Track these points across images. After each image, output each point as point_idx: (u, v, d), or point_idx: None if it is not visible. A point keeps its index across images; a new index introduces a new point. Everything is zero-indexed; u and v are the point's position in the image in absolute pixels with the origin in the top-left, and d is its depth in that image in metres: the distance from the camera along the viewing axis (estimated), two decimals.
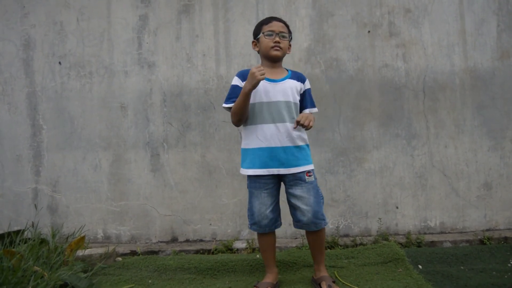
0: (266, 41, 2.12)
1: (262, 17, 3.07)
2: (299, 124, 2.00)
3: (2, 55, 3.23)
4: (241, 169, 2.17)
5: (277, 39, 2.10)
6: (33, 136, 3.19)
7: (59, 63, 3.19)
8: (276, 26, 2.12)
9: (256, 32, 2.20)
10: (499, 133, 3.06)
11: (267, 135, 2.07)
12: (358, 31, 3.11)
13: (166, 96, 3.14)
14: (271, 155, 2.07)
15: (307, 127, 2.01)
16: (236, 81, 2.15)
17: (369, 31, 3.11)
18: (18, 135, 3.20)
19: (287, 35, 2.16)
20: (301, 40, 3.09)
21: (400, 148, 3.06)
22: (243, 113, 2.08)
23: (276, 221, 2.17)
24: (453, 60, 3.08)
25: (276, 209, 2.17)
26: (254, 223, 2.15)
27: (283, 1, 3.12)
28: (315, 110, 2.23)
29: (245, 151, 2.16)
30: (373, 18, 3.11)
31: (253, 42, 2.23)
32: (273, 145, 2.07)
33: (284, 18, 3.01)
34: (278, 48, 2.11)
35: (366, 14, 3.11)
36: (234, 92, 2.12)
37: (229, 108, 2.13)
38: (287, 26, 2.19)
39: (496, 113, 3.06)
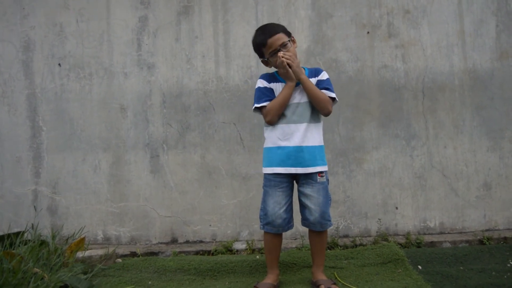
0: (274, 61, 2.12)
1: (261, 18, 3.08)
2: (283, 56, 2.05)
3: (2, 57, 3.23)
4: (262, 168, 2.20)
5: (281, 54, 2.08)
6: (32, 138, 3.20)
7: (59, 64, 3.20)
8: (273, 43, 2.11)
9: (259, 54, 2.20)
10: (498, 134, 3.06)
11: (287, 134, 2.10)
12: (357, 32, 3.11)
13: (166, 97, 3.14)
14: (289, 154, 2.09)
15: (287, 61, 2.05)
16: (263, 83, 2.19)
17: (368, 32, 3.11)
18: (18, 136, 3.20)
19: (287, 41, 2.13)
20: (300, 41, 3.09)
21: (400, 148, 3.07)
22: (283, 108, 2.11)
23: (289, 222, 2.18)
24: (452, 60, 3.08)
25: (290, 209, 2.18)
26: (267, 223, 2.15)
27: (282, 2, 3.12)
28: (331, 94, 2.16)
29: (265, 150, 2.20)
30: (372, 19, 3.11)
31: (262, 61, 2.23)
32: (292, 144, 2.09)
33: (283, 20, 3.04)
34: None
35: (365, 15, 3.11)
36: (264, 92, 2.16)
37: (259, 109, 2.16)
38: (283, 30, 2.16)
39: (495, 114, 3.07)
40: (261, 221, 2.19)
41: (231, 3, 3.14)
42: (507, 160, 3.06)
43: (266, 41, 2.12)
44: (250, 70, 3.10)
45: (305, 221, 2.17)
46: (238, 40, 3.13)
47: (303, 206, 2.16)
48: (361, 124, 3.08)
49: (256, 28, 3.04)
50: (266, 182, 2.18)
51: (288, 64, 2.05)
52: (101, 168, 3.16)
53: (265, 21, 2.96)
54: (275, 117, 2.12)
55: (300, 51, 3.09)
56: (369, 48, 3.11)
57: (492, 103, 3.07)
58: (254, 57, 3.09)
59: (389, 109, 3.08)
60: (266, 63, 2.21)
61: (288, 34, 2.18)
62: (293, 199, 2.19)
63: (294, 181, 2.20)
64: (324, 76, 2.22)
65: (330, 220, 2.15)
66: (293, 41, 2.20)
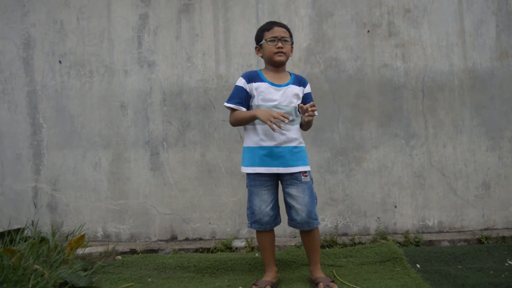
0: (269, 47, 2.16)
1: (262, 16, 3.09)
2: (308, 109, 2.03)
3: (3, 54, 3.23)
4: (242, 167, 2.22)
5: (279, 44, 2.15)
6: (33, 135, 3.20)
7: (59, 62, 3.20)
8: (277, 31, 2.17)
9: (258, 39, 2.24)
10: (498, 133, 3.07)
11: (269, 134, 2.12)
12: (358, 31, 3.11)
13: (166, 95, 3.14)
14: (271, 154, 2.12)
15: (310, 115, 2.04)
16: (241, 82, 2.20)
17: (368, 31, 3.11)
18: (18, 133, 3.21)
19: (289, 39, 2.20)
20: (300, 39, 3.10)
21: (399, 147, 3.07)
22: (241, 124, 2.21)
23: (276, 218, 2.21)
24: (452, 60, 3.09)
25: (276, 206, 2.21)
26: (254, 221, 2.18)
27: (282, 0, 3.12)
28: (316, 113, 2.23)
29: (246, 150, 2.22)
30: (373, 18, 3.11)
31: (256, 48, 2.27)
32: (274, 144, 2.12)
33: (283, 18, 3.05)
34: (281, 54, 2.16)
35: (366, 14, 3.11)
36: (237, 93, 2.19)
37: (230, 108, 2.20)
38: (288, 30, 2.23)
39: (495, 113, 3.07)
40: (248, 220, 2.22)
41: (231, 1, 3.14)
42: (506, 160, 3.07)
43: (272, 27, 2.19)
44: (250, 69, 3.10)
45: (292, 222, 2.18)
46: (239, 39, 3.14)
47: (289, 207, 2.17)
48: (360, 123, 3.08)
49: (256, 26, 3.08)
50: (250, 181, 2.20)
51: (312, 115, 2.06)
52: (101, 166, 3.16)
53: (265, 19, 2.96)
54: (234, 125, 2.25)
55: (300, 49, 3.10)
56: (369, 47, 3.11)
57: (492, 103, 3.08)
58: (254, 56, 3.09)
59: (389, 108, 3.08)
60: (259, 50, 2.25)
61: (291, 39, 2.25)
62: (279, 197, 2.23)
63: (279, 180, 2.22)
64: (308, 88, 2.29)
65: (317, 219, 2.16)
66: (291, 50, 2.26)
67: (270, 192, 2.17)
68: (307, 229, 2.15)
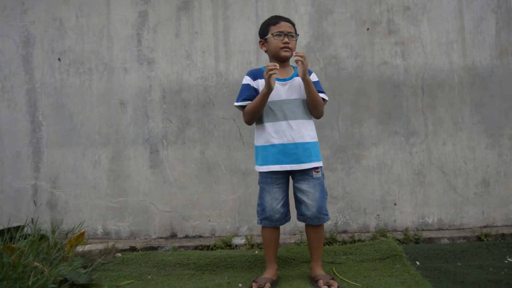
0: (275, 42, 2.15)
1: (261, 14, 3.08)
2: (296, 55, 2.02)
3: (2, 52, 3.23)
4: (256, 166, 2.22)
5: (286, 39, 2.14)
6: (32, 133, 3.20)
7: (59, 59, 3.20)
8: (284, 26, 2.16)
9: (264, 32, 2.22)
10: (497, 131, 3.07)
11: (279, 132, 2.12)
12: (357, 28, 3.11)
13: (166, 92, 3.14)
14: (284, 152, 2.12)
15: (301, 59, 2.01)
16: (247, 80, 2.21)
17: (368, 29, 3.11)
18: (18, 131, 3.21)
19: (294, 34, 2.19)
20: (300, 37, 3.08)
21: (399, 145, 3.07)
22: (257, 113, 2.14)
23: (286, 215, 2.21)
24: (451, 57, 3.08)
25: (287, 204, 2.21)
26: (265, 218, 2.18)
27: None
28: (324, 96, 2.23)
29: (258, 148, 2.21)
30: (372, 16, 3.11)
31: (260, 41, 2.26)
32: (285, 141, 2.11)
33: (283, 15, 3.04)
34: (287, 49, 2.15)
35: (365, 11, 3.11)
36: (243, 90, 2.19)
37: (240, 107, 2.19)
38: (294, 25, 2.22)
39: (494, 111, 3.07)
40: (258, 216, 2.22)
41: None
42: (506, 157, 3.07)
43: (279, 21, 2.18)
44: (250, 66, 3.10)
45: (301, 216, 2.19)
46: (238, 36, 3.13)
47: (299, 202, 2.17)
48: (360, 120, 3.08)
49: (256, 24, 3.08)
50: (262, 179, 2.20)
51: (301, 61, 2.01)
52: (101, 163, 3.16)
53: (265, 17, 2.94)
54: (249, 121, 2.18)
55: (300, 47, 3.09)
56: (369, 45, 3.11)
57: (491, 100, 3.07)
58: (254, 53, 3.09)
59: (389, 106, 3.08)
60: (263, 44, 2.23)
61: (297, 35, 2.24)
62: (289, 193, 2.22)
63: (290, 176, 2.22)
64: (314, 77, 2.26)
65: (327, 214, 2.18)
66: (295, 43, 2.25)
67: (281, 190, 2.17)
68: (317, 224, 2.16)
